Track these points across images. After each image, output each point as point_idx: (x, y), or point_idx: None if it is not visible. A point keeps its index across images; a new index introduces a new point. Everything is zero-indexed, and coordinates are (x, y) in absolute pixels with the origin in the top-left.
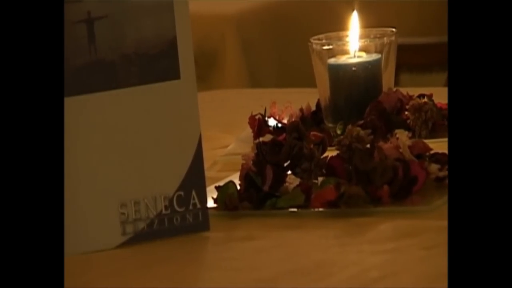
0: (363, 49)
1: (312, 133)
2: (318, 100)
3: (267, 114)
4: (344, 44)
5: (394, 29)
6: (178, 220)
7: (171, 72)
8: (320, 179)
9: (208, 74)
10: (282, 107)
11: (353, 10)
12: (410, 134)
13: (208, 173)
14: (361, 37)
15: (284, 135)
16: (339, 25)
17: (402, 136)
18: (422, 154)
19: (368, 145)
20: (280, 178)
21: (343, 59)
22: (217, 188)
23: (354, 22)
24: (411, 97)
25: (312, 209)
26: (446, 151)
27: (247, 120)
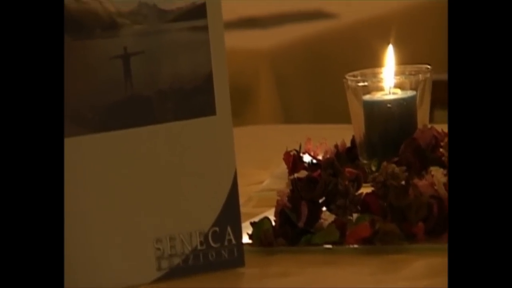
0: (398, 85)
1: (347, 169)
2: (353, 136)
3: (302, 150)
4: (379, 81)
5: (429, 66)
6: (213, 256)
7: (207, 108)
8: (355, 215)
9: (242, 109)
10: (317, 143)
11: (387, 45)
12: (445, 171)
13: (243, 209)
14: (396, 74)
15: (319, 171)
16: (374, 62)
17: (437, 173)
18: None
19: (403, 182)
20: (315, 214)
21: (378, 96)
22: (252, 224)
23: (389, 58)
24: (446, 134)
25: (347, 246)
26: None
27: (282, 156)
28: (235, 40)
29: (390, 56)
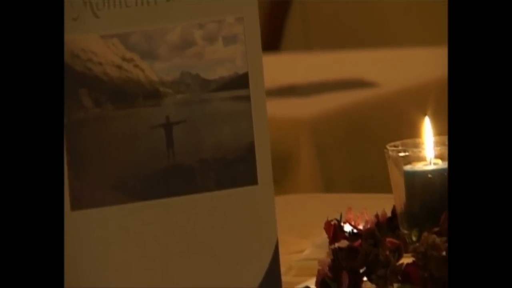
0: (439, 156)
1: (387, 239)
2: (394, 206)
3: (343, 219)
4: (420, 151)
5: None
6: None
7: (248, 178)
8: (396, 285)
9: (282, 177)
10: (358, 213)
11: (424, 116)
12: None
13: (284, 278)
14: (437, 144)
15: (360, 241)
16: (415, 131)
17: None
18: None
19: (444, 253)
20: (356, 284)
21: (419, 166)
22: None
23: (428, 128)
24: None
25: None
26: None
27: (323, 225)
28: (276, 108)
29: (428, 126)
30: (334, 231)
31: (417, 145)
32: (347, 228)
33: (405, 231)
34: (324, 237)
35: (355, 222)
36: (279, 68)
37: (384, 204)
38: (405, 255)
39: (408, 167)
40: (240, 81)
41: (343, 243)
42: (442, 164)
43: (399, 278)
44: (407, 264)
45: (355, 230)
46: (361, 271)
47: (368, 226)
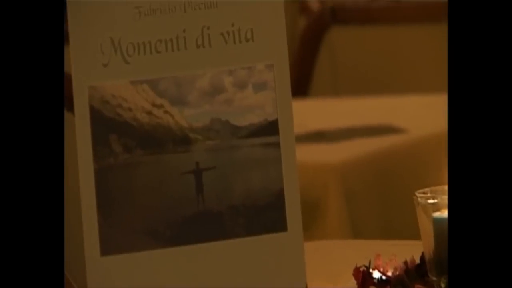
0: None
1: (416, 286)
2: (423, 253)
3: (372, 266)
4: None
5: None
6: None
7: (278, 224)
8: None
9: (310, 223)
10: (387, 260)
11: None
12: None
13: None
14: None
15: (388, 287)
16: (444, 179)
17: None
18: None
19: None
20: None
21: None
22: None
23: None
24: None
25: None
26: None
27: (352, 271)
28: (304, 153)
29: None
30: (363, 277)
31: (446, 192)
32: (376, 274)
33: (434, 278)
34: (353, 283)
35: (383, 269)
36: (307, 113)
37: (413, 250)
38: None
39: (437, 214)
40: (270, 128)
41: None
42: None
43: None
44: None
45: (384, 277)
46: None
47: (397, 272)
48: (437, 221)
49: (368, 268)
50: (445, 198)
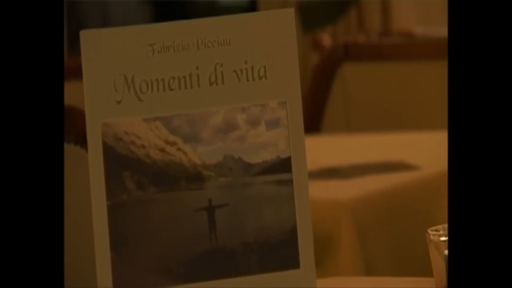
0: None
1: None
2: None
3: None
4: None
5: None
6: None
7: (291, 261)
8: None
9: (322, 260)
10: None
11: None
12: None
13: None
14: None
15: None
16: None
17: None
18: None
19: None
20: None
21: None
22: None
23: None
24: None
25: None
26: None
27: None
28: (316, 190)
29: None
30: None
31: None
32: None
33: None
34: None
35: None
36: (320, 150)
37: None
38: None
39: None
40: (283, 165)
41: None
42: None
43: None
44: None
45: None
46: None
47: None
48: None
49: None
50: None
